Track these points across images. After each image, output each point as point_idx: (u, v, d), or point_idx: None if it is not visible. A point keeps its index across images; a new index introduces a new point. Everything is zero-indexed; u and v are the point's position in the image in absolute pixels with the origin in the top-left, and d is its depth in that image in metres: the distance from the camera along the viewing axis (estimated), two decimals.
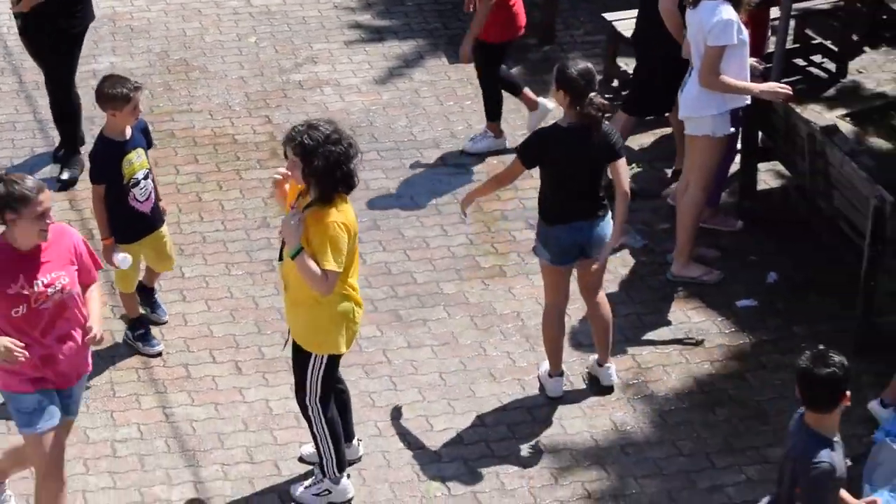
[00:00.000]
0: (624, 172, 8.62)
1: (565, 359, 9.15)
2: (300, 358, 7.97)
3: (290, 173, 7.67)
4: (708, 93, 9.58)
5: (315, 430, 8.08)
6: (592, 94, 8.47)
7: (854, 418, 8.94)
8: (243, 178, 11.13)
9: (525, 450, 8.73)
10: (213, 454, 8.63)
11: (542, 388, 9.15)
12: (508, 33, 11.18)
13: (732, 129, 9.87)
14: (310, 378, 7.94)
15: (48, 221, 7.19)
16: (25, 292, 7.22)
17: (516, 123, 11.83)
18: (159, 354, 9.33)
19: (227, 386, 9.14)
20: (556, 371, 9.09)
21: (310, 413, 8.04)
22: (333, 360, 7.96)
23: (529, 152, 8.65)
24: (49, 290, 7.28)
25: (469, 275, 10.18)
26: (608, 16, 12.43)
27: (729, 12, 9.40)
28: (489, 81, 11.38)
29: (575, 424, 8.93)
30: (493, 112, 11.44)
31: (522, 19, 11.25)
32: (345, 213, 7.63)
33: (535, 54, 12.90)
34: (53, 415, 7.51)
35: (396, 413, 8.93)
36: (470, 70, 12.03)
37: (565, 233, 8.65)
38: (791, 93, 9.89)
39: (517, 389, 9.19)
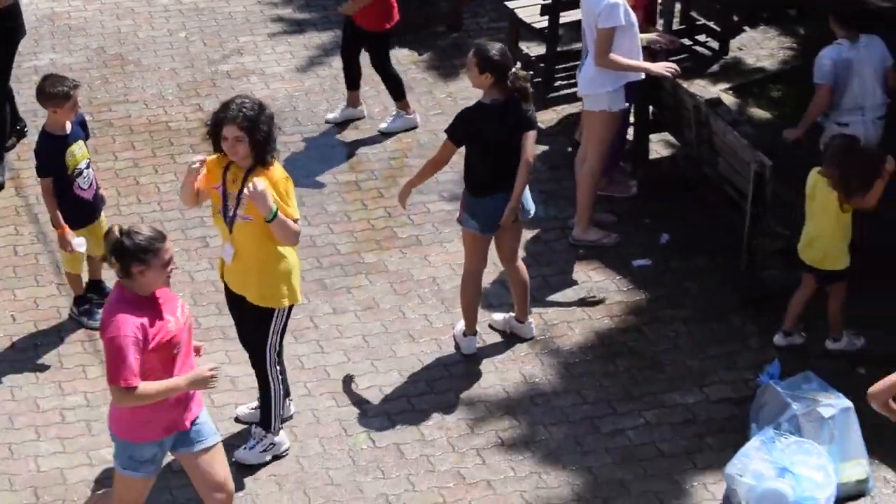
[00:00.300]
0: (532, 143, 8.61)
1: (478, 319, 9.15)
2: (260, 318, 7.93)
3: (205, 158, 7.68)
4: (603, 71, 9.59)
5: (272, 383, 8.07)
6: (514, 69, 8.49)
7: (741, 364, 9.05)
8: (177, 162, 11.02)
9: (443, 403, 8.73)
10: None
11: (457, 346, 9.15)
12: (388, 22, 11.09)
13: (626, 104, 9.89)
14: (272, 334, 7.95)
15: (172, 267, 6.76)
16: (176, 329, 6.74)
17: (429, 104, 11.81)
18: None
19: None
20: (471, 331, 9.10)
21: (268, 368, 8.04)
22: (290, 312, 8.00)
23: (458, 131, 8.60)
24: (188, 321, 6.88)
25: (388, 245, 10.16)
26: (510, 4, 12.41)
27: None
28: (382, 66, 11.31)
29: (488, 379, 8.94)
30: (398, 92, 11.40)
31: (396, 8, 11.15)
32: (281, 168, 7.74)
33: (445, 41, 12.86)
34: (158, 468, 7.07)
35: (348, 379, 8.88)
36: None
37: (493, 203, 8.63)
38: (679, 70, 9.92)
39: (434, 348, 9.19)
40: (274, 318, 7.91)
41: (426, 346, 9.21)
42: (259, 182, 7.43)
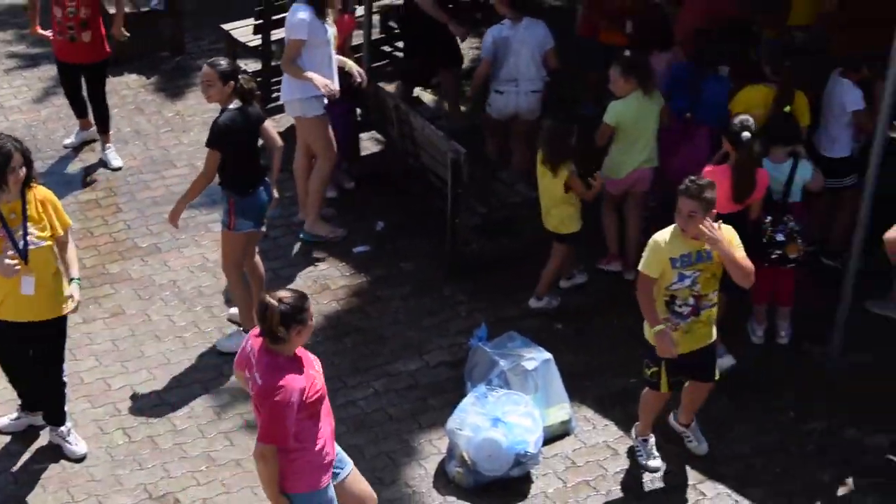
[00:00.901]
0: (273, 129, 8.58)
1: (200, 316, 8.96)
2: (57, 330, 7.71)
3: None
4: (294, 81, 9.39)
5: (65, 384, 7.92)
6: (240, 74, 8.40)
7: (453, 330, 9.06)
8: None
9: (191, 395, 8.50)
10: None
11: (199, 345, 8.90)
12: (100, 55, 10.66)
13: (322, 111, 9.63)
14: (65, 338, 7.81)
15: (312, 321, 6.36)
16: (321, 384, 6.38)
17: (159, 123, 11.51)
18: None
19: None
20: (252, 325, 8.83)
21: (64, 370, 7.89)
22: None
23: (221, 141, 8.29)
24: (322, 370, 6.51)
25: (130, 255, 9.84)
26: (226, 26, 12.17)
27: (305, 13, 9.21)
28: (98, 95, 10.88)
29: (230, 367, 8.67)
30: (106, 124, 10.99)
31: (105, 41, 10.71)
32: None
33: (169, 64, 12.55)
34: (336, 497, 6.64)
35: (105, 387, 8.55)
36: (114, 83, 11.73)
37: (258, 198, 8.47)
38: (337, 93, 9.51)
39: (180, 346, 8.94)
40: (66, 323, 7.75)
41: (171, 343, 8.95)
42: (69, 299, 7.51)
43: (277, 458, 6.29)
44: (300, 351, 6.38)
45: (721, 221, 7.32)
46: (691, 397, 7.91)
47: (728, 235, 7.33)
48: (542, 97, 10.08)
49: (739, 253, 7.31)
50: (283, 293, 6.26)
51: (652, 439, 7.99)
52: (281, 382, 6.17)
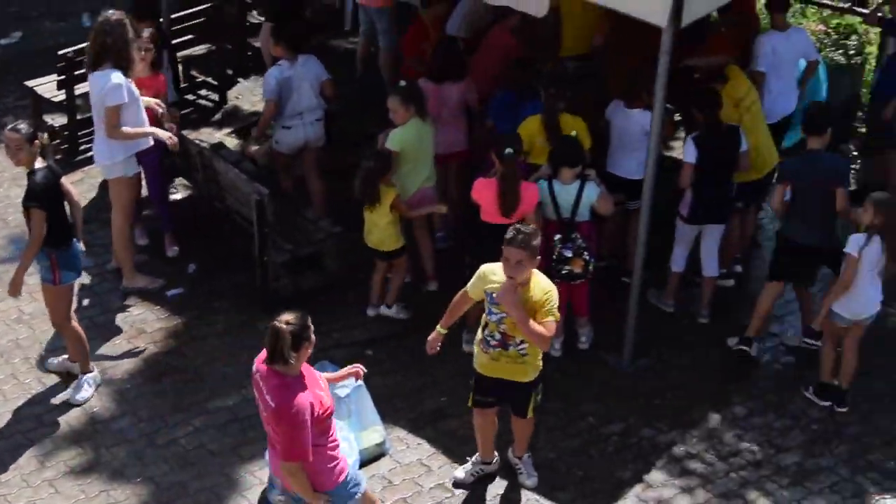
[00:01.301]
0: (73, 188, 8.64)
1: (18, 368, 8.87)
2: None
3: None
4: (113, 142, 9.25)
5: None
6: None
7: None
8: None
9: (13, 446, 8.33)
10: None
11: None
12: None
13: (139, 168, 9.60)
14: None
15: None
16: (329, 400, 6.58)
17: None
18: None
19: None
20: (90, 369, 8.81)
21: None
22: None
23: (44, 198, 8.21)
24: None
25: None
26: (29, 83, 11.97)
27: (118, 77, 9.08)
28: None
29: (51, 416, 8.60)
30: None
31: None
32: None
33: None
34: (362, 476, 7.06)
35: None
36: None
37: (74, 249, 8.41)
38: (177, 146, 9.52)
39: None
40: None
41: None
42: None
43: (304, 470, 6.51)
44: (305, 368, 6.53)
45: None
46: (515, 430, 8.04)
47: (540, 298, 7.26)
48: (323, 125, 10.33)
49: (545, 319, 7.20)
50: (287, 316, 6.42)
51: (477, 457, 8.11)
52: (293, 401, 6.36)
